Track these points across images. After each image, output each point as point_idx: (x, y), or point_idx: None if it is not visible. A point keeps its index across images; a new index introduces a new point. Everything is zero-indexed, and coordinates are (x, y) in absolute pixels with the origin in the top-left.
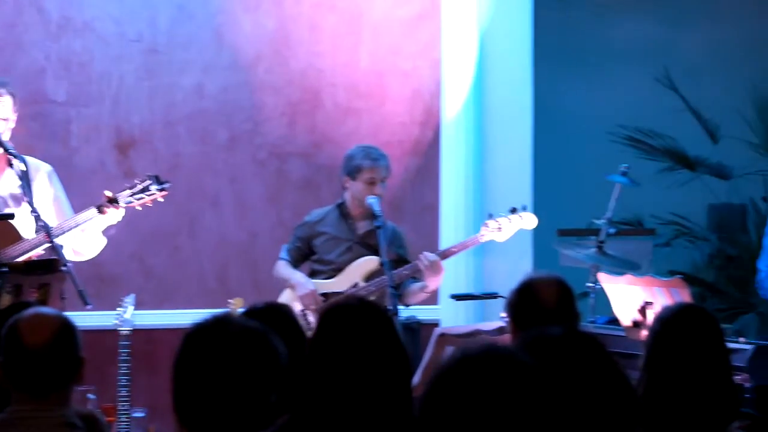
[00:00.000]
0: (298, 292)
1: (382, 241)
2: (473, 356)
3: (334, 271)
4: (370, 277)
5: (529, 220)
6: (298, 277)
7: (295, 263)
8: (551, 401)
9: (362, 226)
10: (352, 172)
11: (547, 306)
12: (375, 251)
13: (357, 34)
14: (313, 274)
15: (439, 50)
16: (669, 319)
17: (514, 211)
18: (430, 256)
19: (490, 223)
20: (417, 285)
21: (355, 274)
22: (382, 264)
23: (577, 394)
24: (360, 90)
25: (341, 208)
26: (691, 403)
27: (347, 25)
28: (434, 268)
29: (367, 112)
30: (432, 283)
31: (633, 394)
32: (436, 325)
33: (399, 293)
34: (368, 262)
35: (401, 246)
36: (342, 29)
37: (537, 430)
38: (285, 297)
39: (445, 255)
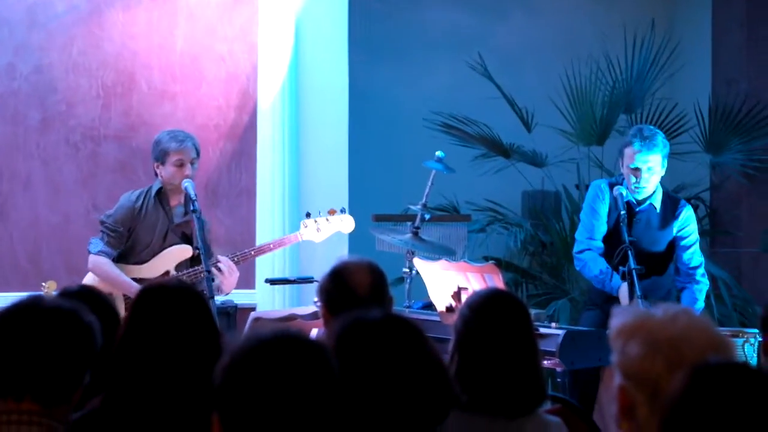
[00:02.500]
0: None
1: (197, 226)
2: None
3: (148, 256)
4: (180, 266)
5: (347, 223)
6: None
7: (117, 251)
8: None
9: (178, 215)
10: (160, 156)
11: (358, 291)
12: (188, 241)
13: (172, 16)
14: (121, 258)
15: (256, 34)
16: (478, 304)
17: (332, 212)
18: (224, 260)
19: (309, 222)
20: (213, 284)
21: (167, 262)
22: (196, 250)
23: (394, 377)
24: (175, 73)
25: (159, 194)
26: (500, 387)
27: (162, 7)
28: (228, 273)
29: (183, 95)
30: (226, 286)
31: (448, 378)
32: (252, 309)
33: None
34: (182, 251)
35: (208, 238)
36: (157, 12)
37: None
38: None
39: (245, 257)
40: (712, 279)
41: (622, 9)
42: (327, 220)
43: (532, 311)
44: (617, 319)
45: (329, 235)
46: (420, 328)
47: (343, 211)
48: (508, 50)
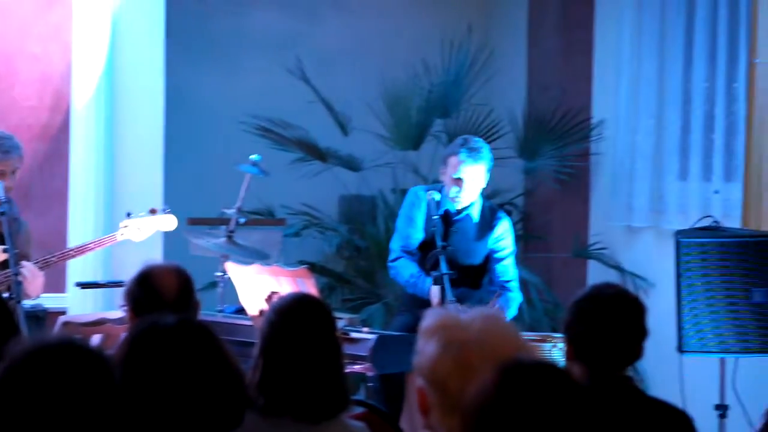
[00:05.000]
0: None
1: (6, 229)
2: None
3: None
4: (1, 267)
5: (168, 222)
6: None
7: None
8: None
9: None
10: None
11: (165, 295)
12: (4, 243)
13: None
14: None
15: (71, 33)
16: (282, 308)
17: (153, 211)
18: (27, 265)
19: (129, 222)
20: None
21: None
22: (5, 253)
23: (184, 382)
24: None
25: None
26: (303, 392)
27: None
28: (32, 277)
29: None
30: (31, 290)
31: (242, 382)
32: (62, 313)
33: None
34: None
35: (27, 242)
36: None
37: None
38: None
39: (51, 262)
40: (524, 284)
41: (438, 13)
42: (148, 219)
43: (346, 316)
44: (425, 321)
45: (150, 234)
46: (214, 333)
47: (165, 210)
48: (324, 53)
